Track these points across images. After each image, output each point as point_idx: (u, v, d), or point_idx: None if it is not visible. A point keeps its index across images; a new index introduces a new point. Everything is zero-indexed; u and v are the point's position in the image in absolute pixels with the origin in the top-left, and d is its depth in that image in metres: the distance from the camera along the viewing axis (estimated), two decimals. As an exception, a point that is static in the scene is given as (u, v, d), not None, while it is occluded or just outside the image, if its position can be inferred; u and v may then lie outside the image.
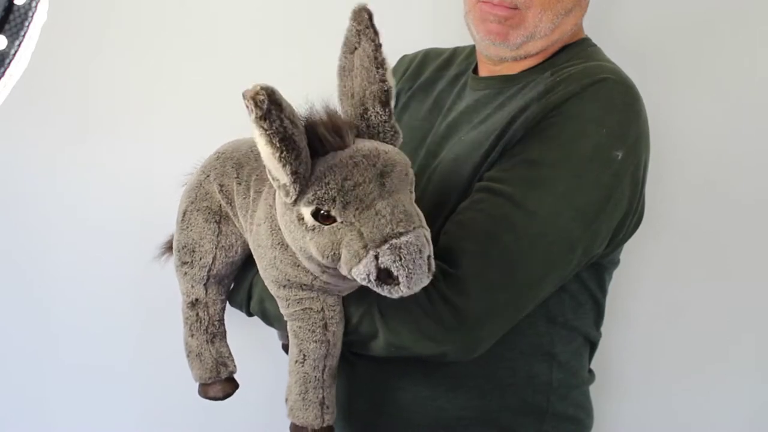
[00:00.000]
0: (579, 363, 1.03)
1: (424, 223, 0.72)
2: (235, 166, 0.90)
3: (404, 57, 1.19)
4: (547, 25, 0.96)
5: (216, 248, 0.92)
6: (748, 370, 1.39)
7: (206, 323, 0.94)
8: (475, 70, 1.07)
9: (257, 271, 0.89)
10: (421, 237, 0.69)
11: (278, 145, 0.66)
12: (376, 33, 0.73)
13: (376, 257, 0.68)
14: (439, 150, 1.01)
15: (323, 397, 0.88)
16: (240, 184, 0.89)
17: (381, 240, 0.68)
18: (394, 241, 0.68)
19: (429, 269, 0.70)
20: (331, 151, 0.72)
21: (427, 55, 1.17)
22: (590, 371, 1.08)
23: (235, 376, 0.98)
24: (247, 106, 0.64)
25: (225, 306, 0.97)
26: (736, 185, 1.33)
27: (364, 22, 0.73)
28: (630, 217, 0.94)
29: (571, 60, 0.98)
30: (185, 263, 0.93)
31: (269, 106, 0.64)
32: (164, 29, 1.35)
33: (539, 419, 0.99)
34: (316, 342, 0.86)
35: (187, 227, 0.92)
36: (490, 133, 0.93)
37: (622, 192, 0.90)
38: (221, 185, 0.90)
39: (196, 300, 0.94)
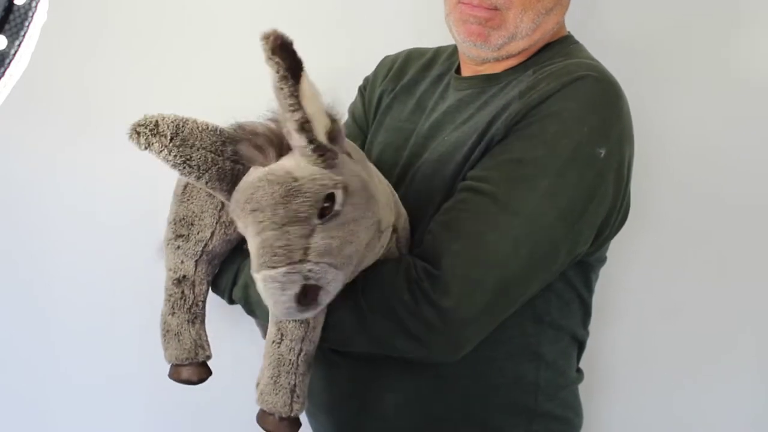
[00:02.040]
0: (567, 362, 1.03)
1: (311, 256, 0.71)
2: None
3: (386, 58, 1.19)
4: (528, 25, 0.96)
5: (216, 223, 0.90)
6: (740, 368, 1.38)
7: (190, 302, 0.93)
8: (458, 70, 1.07)
9: (246, 257, 0.87)
10: (288, 274, 0.71)
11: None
12: (281, 60, 0.67)
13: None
14: (423, 150, 1.01)
15: (295, 384, 0.86)
16: None
17: (256, 269, 0.72)
18: (263, 272, 0.71)
19: (297, 302, 0.71)
20: (257, 165, 0.75)
21: (410, 56, 1.16)
22: (579, 370, 1.08)
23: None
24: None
25: (209, 289, 0.96)
26: (724, 182, 1.33)
27: (266, 51, 0.69)
28: (615, 215, 0.94)
29: (553, 58, 0.98)
30: (180, 236, 0.91)
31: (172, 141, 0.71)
32: (163, 29, 1.35)
33: (528, 419, 0.99)
34: (295, 322, 0.85)
35: (188, 200, 0.91)
36: (473, 133, 0.93)
37: (606, 190, 0.90)
38: None
39: (184, 277, 0.92)
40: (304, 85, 0.68)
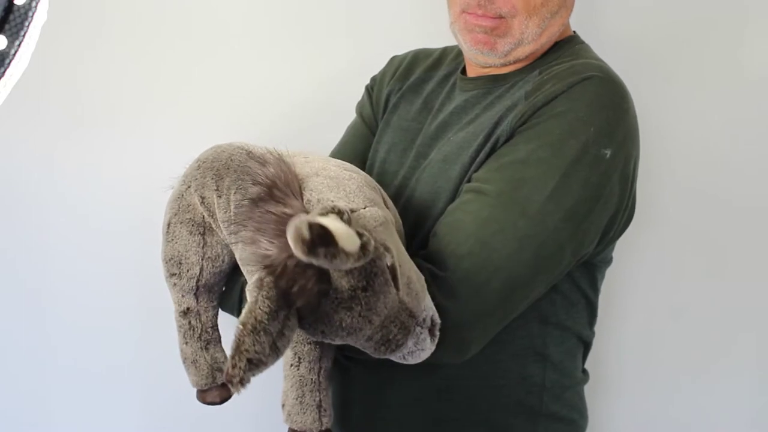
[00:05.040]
0: (572, 363, 1.03)
1: None
2: (214, 178, 0.88)
3: (394, 58, 1.19)
4: (534, 30, 0.95)
5: (202, 260, 0.92)
6: (745, 368, 1.38)
7: (199, 331, 0.95)
8: (464, 71, 1.06)
9: None
10: None
11: None
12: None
13: None
14: (429, 151, 1.01)
15: (320, 400, 0.87)
16: (220, 197, 0.87)
17: None
18: None
19: None
20: None
21: (417, 56, 1.16)
22: (584, 371, 1.08)
23: None
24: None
25: (218, 312, 0.97)
26: (729, 182, 1.33)
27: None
28: (620, 216, 0.94)
29: (559, 58, 0.97)
30: (173, 275, 0.93)
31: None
32: (162, 26, 1.35)
33: (532, 420, 0.99)
34: (310, 344, 0.85)
35: (173, 239, 0.92)
36: (479, 134, 0.93)
37: (612, 190, 0.90)
38: (202, 197, 0.89)
39: (188, 309, 0.94)
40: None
